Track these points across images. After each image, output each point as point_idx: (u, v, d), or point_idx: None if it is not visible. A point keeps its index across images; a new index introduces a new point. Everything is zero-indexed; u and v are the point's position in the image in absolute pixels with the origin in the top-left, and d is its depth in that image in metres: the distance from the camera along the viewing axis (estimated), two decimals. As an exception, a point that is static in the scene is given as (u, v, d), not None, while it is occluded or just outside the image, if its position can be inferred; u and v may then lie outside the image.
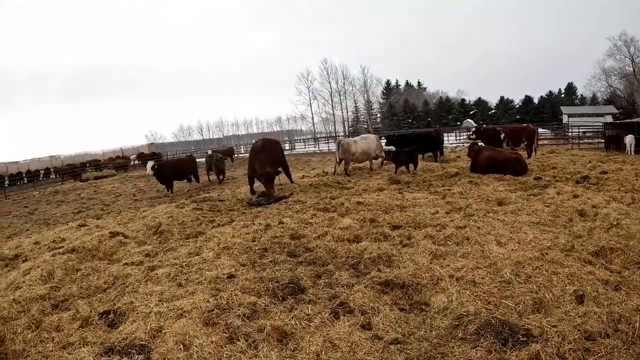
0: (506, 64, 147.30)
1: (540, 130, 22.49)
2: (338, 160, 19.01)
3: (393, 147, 20.59)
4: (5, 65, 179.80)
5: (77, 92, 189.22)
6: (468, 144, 19.70)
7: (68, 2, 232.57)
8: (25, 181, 54.73)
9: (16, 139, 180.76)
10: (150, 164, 22.27)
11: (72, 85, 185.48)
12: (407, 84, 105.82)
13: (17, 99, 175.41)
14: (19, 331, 5.76)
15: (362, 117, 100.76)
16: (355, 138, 19.95)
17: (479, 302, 5.12)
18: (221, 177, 25.40)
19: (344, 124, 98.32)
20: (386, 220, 9.36)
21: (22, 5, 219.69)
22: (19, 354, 5.22)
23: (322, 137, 71.59)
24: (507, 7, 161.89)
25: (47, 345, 5.30)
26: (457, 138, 45.50)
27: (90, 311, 6.11)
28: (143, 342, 4.84)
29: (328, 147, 54.70)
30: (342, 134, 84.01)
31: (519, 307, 4.92)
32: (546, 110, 77.59)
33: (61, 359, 4.85)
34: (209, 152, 41.78)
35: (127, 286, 6.95)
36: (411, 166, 17.58)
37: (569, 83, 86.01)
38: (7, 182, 50.41)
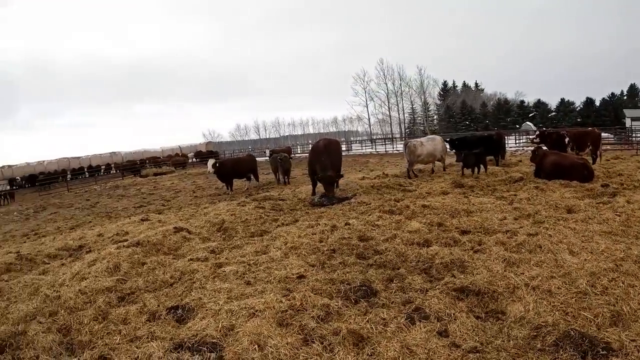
0: (566, 65, 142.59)
1: (602, 134, 21.73)
2: (407, 161, 18.97)
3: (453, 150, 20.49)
4: (69, 64, 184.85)
5: (140, 91, 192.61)
6: (532, 148, 19.31)
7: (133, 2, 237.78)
8: (87, 175, 56.78)
9: (80, 135, 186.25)
10: (211, 161, 22.66)
11: (136, 84, 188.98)
12: (465, 85, 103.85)
13: (79, 97, 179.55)
14: (85, 322, 5.91)
15: (419, 118, 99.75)
16: (421, 139, 19.88)
17: (557, 312, 5.01)
18: (286, 178, 24.05)
19: (400, 125, 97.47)
20: (454, 224, 9.29)
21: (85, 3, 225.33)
22: (85, 345, 5.32)
23: (379, 139, 71.34)
24: (566, 6, 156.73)
25: (114, 337, 5.38)
26: (517, 141, 44.32)
27: (158, 305, 6.26)
28: (214, 340, 4.85)
29: (385, 148, 54.44)
30: (399, 135, 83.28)
31: (597, 319, 4.79)
32: (608, 114, 74.87)
33: (129, 352, 4.88)
34: (267, 151, 42.16)
35: (194, 282, 7.07)
36: (476, 169, 17.37)
37: (631, 84, 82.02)
38: (69, 175, 52.26)
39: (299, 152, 62.85)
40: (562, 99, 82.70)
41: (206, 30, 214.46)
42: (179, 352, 4.67)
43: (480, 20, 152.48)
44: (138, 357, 4.73)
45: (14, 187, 50.37)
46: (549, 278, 5.95)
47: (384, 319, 5.22)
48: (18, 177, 56.04)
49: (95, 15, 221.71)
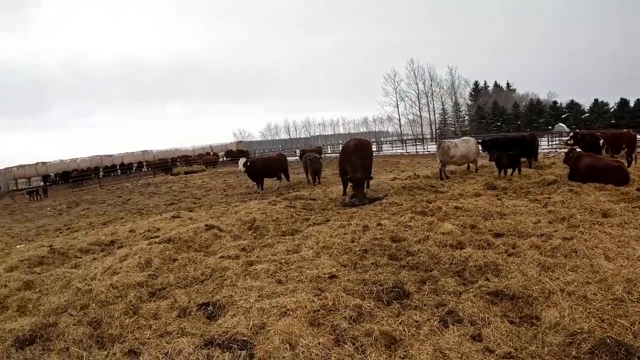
0: (600, 65, 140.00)
1: (638, 136, 21.30)
2: (440, 162, 18.97)
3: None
4: (102, 64, 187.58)
5: (172, 91, 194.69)
6: (565, 150, 19.04)
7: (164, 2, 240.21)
8: (119, 173, 57.80)
9: (112, 135, 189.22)
10: (242, 160, 22.82)
11: (168, 83, 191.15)
12: (496, 85, 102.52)
13: (112, 96, 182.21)
14: (116, 316, 6.02)
15: (450, 119, 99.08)
16: (455, 140, 19.88)
17: (593, 319, 4.93)
18: (317, 178, 23.69)
19: (430, 126, 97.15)
20: (487, 227, 9.22)
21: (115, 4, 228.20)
22: (115, 339, 5.40)
23: (409, 139, 71.09)
24: (601, 5, 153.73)
25: (145, 332, 5.46)
26: (550, 143, 43.69)
27: (189, 301, 6.33)
28: (245, 338, 4.87)
29: (415, 149, 54.18)
30: (429, 136, 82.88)
31: (634, 327, 4.70)
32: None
33: (159, 347, 4.92)
34: (297, 151, 42.28)
35: (225, 279, 7.13)
36: (509, 170, 17.23)
37: None
38: (102, 173, 53.25)
39: (329, 152, 62.95)
40: (596, 100, 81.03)
41: (237, 30, 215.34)
42: (209, 349, 4.70)
43: (512, 19, 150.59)
44: (168, 352, 4.78)
45: (48, 183, 51.58)
46: (584, 283, 5.85)
47: (417, 321, 5.21)
48: (52, 174, 57.29)
49: (128, 15, 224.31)
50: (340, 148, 16.55)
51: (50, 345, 5.36)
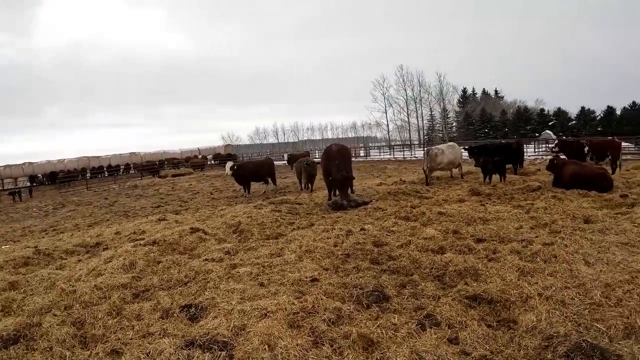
0: (587, 73, 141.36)
1: (623, 144, 21.54)
2: (426, 168, 19.08)
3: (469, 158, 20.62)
4: (97, 65, 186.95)
5: (162, 94, 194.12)
6: (549, 157, 19.19)
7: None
8: (106, 175, 57.61)
9: (99, 137, 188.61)
10: (229, 164, 22.75)
11: (157, 87, 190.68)
12: (484, 92, 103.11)
13: (104, 98, 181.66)
14: (100, 316, 6.08)
15: (438, 125, 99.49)
16: (442, 147, 20.01)
17: (569, 323, 4.98)
18: (309, 185, 22.19)
19: (419, 132, 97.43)
20: (469, 232, 9.28)
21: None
22: (98, 339, 5.44)
23: (397, 145, 71.29)
24: (588, 14, 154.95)
25: (127, 332, 5.53)
26: (536, 150, 44.03)
27: (172, 303, 6.39)
28: (225, 339, 4.93)
29: (403, 154, 54.32)
30: (417, 142, 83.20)
31: (610, 331, 4.75)
32: (629, 123, 73.90)
33: (141, 347, 4.97)
34: (285, 155, 42.27)
35: (208, 282, 7.21)
36: (494, 177, 17.36)
37: None
38: (89, 174, 53.05)
39: (317, 156, 62.97)
40: (583, 108, 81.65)
41: (228, 35, 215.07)
42: (190, 350, 4.74)
43: (501, 27, 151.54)
44: (150, 352, 4.81)
45: (34, 184, 51.31)
46: (562, 288, 5.93)
47: (395, 324, 5.24)
48: (39, 174, 56.90)
49: (124, 15, 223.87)
50: (323, 153, 16.43)
51: (34, 345, 5.36)
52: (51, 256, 10.37)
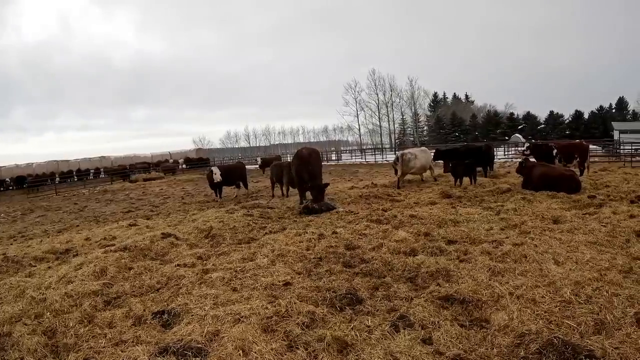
0: (556, 78, 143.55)
1: (590, 146, 22.00)
2: (399, 172, 19.24)
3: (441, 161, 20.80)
4: (65, 66, 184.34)
5: (132, 97, 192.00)
6: (519, 160, 19.44)
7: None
8: (76, 179, 56.60)
9: (70, 140, 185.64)
10: (217, 170, 22.34)
11: (128, 89, 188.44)
12: (455, 97, 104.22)
13: (70, 101, 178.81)
14: (71, 325, 5.96)
15: (409, 129, 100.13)
16: (414, 151, 20.15)
17: (540, 321, 5.05)
18: (288, 189, 20.97)
19: (390, 136, 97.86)
20: (440, 234, 9.34)
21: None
22: (70, 348, 5.35)
23: (369, 149, 71.58)
24: (557, 22, 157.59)
25: (100, 341, 5.45)
26: (506, 153, 44.68)
27: (144, 310, 6.32)
28: (199, 345, 4.90)
29: (374, 158, 54.56)
30: (389, 146, 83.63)
31: (580, 327, 4.84)
32: (597, 126, 75.29)
33: (114, 355, 4.94)
34: (259, 159, 42.04)
35: (181, 287, 7.15)
36: (465, 180, 17.53)
37: (620, 97, 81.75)
38: (57, 179, 52.11)
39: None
40: (551, 112, 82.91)
41: (200, 38, 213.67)
42: (163, 357, 4.70)
43: (472, 33, 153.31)
44: (122, 360, 4.72)
45: (1, 189, 50.30)
46: (533, 287, 6.00)
47: (369, 326, 5.26)
48: (7, 179, 55.77)
49: (94, 16, 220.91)
50: (294, 157, 16.29)
51: (4, 355, 5.27)
52: (20, 263, 10.17)
